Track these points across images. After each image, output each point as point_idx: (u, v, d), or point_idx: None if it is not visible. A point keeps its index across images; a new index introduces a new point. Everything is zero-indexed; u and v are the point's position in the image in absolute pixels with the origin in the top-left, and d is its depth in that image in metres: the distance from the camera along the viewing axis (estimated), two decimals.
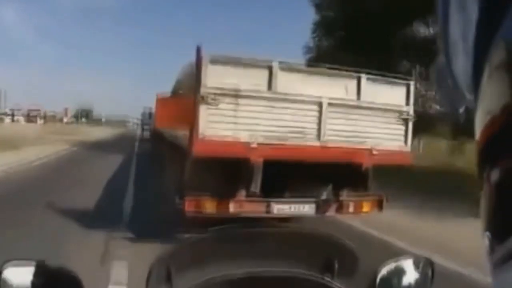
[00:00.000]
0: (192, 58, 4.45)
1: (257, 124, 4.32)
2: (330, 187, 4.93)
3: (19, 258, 0.86)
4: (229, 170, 4.49)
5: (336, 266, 0.93)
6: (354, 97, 4.60)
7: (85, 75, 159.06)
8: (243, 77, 4.31)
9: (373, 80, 4.66)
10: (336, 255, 0.96)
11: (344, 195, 4.89)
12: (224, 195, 4.51)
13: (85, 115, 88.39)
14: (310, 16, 14.87)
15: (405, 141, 4.80)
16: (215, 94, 4.18)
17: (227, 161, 4.34)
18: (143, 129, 25.83)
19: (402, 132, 4.79)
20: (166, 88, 11.16)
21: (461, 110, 0.30)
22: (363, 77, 4.59)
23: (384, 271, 0.91)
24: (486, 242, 0.23)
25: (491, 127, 0.22)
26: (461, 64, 0.26)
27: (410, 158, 4.88)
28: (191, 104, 4.34)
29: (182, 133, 4.85)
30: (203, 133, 4.17)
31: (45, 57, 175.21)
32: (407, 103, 4.76)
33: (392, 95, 4.72)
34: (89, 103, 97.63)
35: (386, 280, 0.91)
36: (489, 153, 0.23)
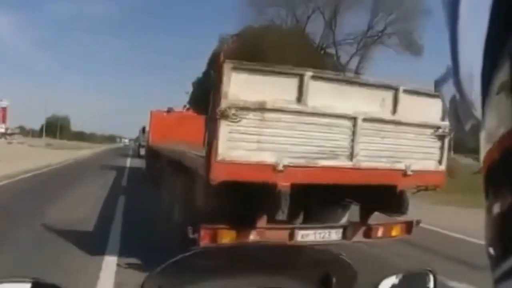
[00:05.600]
0: None
1: (284, 144, 3.71)
2: (357, 210, 4.43)
3: (15, 276, 0.83)
4: (250, 196, 3.87)
5: (334, 281, 0.93)
6: (390, 111, 4.07)
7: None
8: (269, 88, 3.67)
9: (410, 93, 4.14)
10: (334, 270, 0.96)
11: (372, 219, 4.41)
12: (244, 223, 3.90)
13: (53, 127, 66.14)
14: None
15: (440, 160, 4.34)
16: (237, 107, 3.52)
17: (248, 186, 3.73)
18: (139, 146, 25.99)
19: (437, 150, 4.33)
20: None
21: (467, 126, 0.30)
22: (401, 89, 4.07)
23: (385, 285, 0.89)
24: (489, 257, 0.24)
25: (491, 155, 0.24)
26: (470, 81, 0.27)
27: (444, 179, 4.43)
28: (203, 120, 3.68)
29: (192, 152, 4.16)
30: (223, 154, 3.51)
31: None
32: (444, 118, 4.27)
33: (428, 109, 4.21)
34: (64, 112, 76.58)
35: None
36: (491, 181, 0.24)
